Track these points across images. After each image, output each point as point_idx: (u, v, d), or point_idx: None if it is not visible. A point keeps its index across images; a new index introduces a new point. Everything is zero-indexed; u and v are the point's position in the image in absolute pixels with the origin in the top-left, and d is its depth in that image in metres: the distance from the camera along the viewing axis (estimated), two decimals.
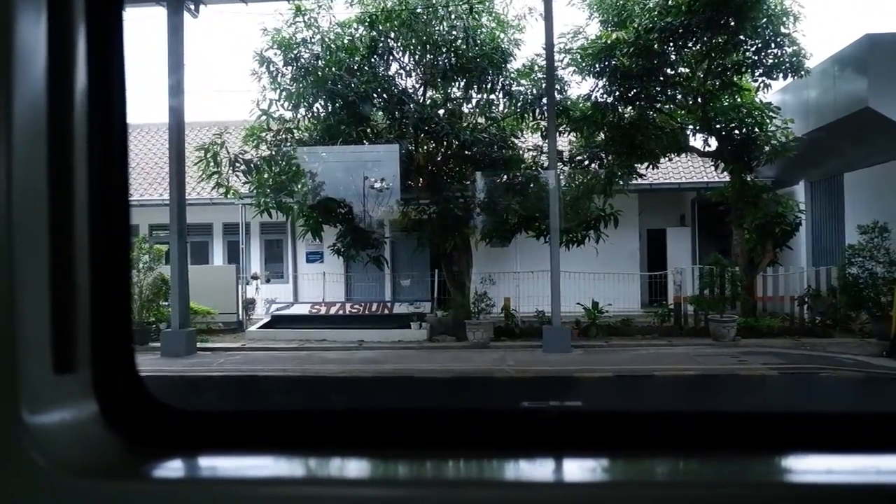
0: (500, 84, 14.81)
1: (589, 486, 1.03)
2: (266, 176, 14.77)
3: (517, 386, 9.37)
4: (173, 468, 1.10)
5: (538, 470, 1.11)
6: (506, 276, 17.07)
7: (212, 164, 14.70)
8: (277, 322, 16.47)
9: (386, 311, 16.78)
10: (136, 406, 1.16)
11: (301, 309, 17.18)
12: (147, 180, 22.49)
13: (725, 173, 18.93)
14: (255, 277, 18.63)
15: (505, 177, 15.11)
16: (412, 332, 15.24)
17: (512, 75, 14.89)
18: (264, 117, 15.33)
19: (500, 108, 15.44)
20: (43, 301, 0.98)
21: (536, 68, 15.02)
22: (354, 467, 1.11)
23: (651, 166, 16.46)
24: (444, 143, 14.68)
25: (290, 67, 14.79)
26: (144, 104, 47.18)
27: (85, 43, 1.04)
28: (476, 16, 14.45)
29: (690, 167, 20.26)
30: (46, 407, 0.99)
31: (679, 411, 1.16)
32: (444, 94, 15.18)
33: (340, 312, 16.90)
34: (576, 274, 16.76)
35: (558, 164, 15.82)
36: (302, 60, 14.54)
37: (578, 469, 1.11)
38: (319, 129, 15.03)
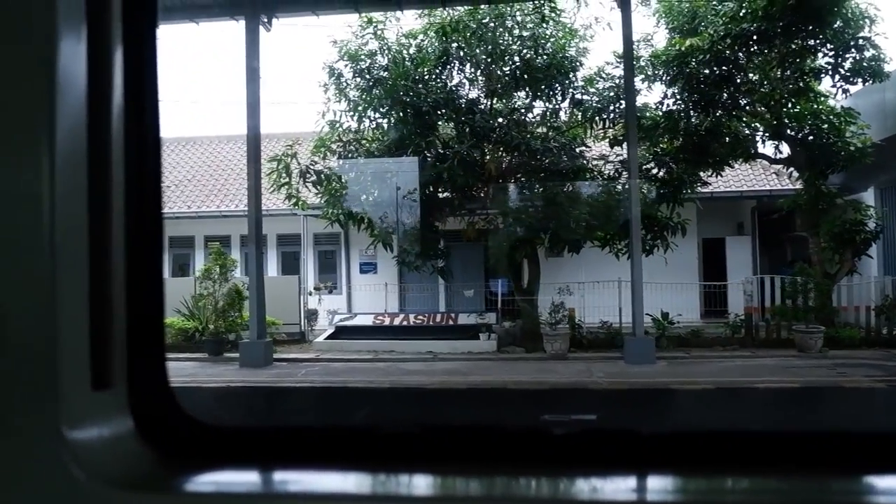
0: (568, 93, 14.71)
1: None
2: (336, 186, 14.77)
3: (623, 398, 9.19)
4: (205, 482, 1.12)
5: (572, 488, 1.10)
6: (569, 286, 16.89)
7: (283, 175, 14.73)
8: (341, 333, 16.42)
9: (450, 322, 16.64)
10: (170, 421, 1.18)
11: (364, 320, 17.12)
12: (203, 192, 22.65)
13: (789, 181, 18.84)
14: (317, 288, 18.63)
15: (571, 186, 14.98)
16: (480, 344, 15.12)
17: (580, 84, 14.76)
18: (332, 129, 15.39)
19: (568, 117, 15.33)
20: (82, 319, 1.00)
21: (604, 76, 14.92)
22: (383, 483, 1.11)
23: (715, 174, 16.25)
24: (515, 152, 14.57)
25: (358, 79, 14.80)
26: (201, 116, 47.75)
27: (122, 64, 1.07)
28: (546, 24, 14.38)
29: (750, 175, 19.99)
30: (84, 422, 1.01)
31: (717, 430, 1.15)
32: (512, 104, 15.08)
33: (404, 323, 16.81)
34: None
35: (624, 172, 15.71)
36: (372, 71, 14.53)
37: (611, 487, 1.10)
38: (388, 140, 15.02)
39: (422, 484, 1.13)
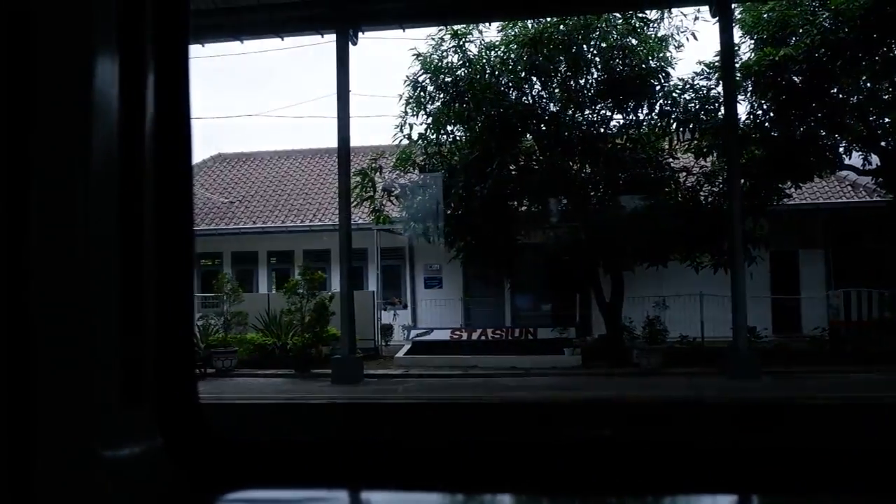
0: (654, 104, 14.55)
1: None
2: (420, 199, 14.70)
3: (773, 414, 8.90)
4: (232, 501, 1.12)
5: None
6: (643, 300, 16.63)
7: (367, 188, 14.69)
8: (419, 348, 16.27)
9: (529, 337, 16.43)
10: (199, 439, 1.18)
11: (440, 335, 16.96)
12: (267, 207, 22.71)
13: (866, 194, 18.50)
14: (391, 303, 18.52)
15: (657, 198, 14.76)
16: (565, 359, 14.90)
17: (668, 93, 14.58)
18: (417, 142, 15.35)
19: (651, 128, 15.15)
20: (114, 334, 1.00)
21: (691, 86, 14.75)
22: (415, 500, 1.11)
23: (794, 186, 15.98)
24: (602, 164, 14.41)
25: (441, 92, 14.75)
26: (256, 132, 48.13)
27: (154, 85, 1.09)
28: (636, 34, 14.27)
29: (824, 188, 19.66)
30: (117, 441, 1.01)
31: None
32: (597, 115, 14.95)
33: (482, 338, 16.62)
34: (709, 297, 16.27)
35: (705, 184, 15.49)
36: (458, 84, 14.47)
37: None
38: (469, 153, 14.93)
39: (454, 501, 1.12)
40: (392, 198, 14.96)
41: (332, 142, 16.74)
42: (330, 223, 21.33)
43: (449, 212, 14.78)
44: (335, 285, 21.91)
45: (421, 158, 14.95)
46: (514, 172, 14.63)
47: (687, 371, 12.90)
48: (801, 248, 20.03)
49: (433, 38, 15.17)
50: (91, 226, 0.97)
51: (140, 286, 1.05)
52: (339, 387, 12.56)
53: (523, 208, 14.84)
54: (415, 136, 15.59)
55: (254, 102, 46.49)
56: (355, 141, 18.34)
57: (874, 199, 18.84)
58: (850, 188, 19.57)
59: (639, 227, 14.37)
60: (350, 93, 13.44)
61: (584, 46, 14.38)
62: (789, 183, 15.67)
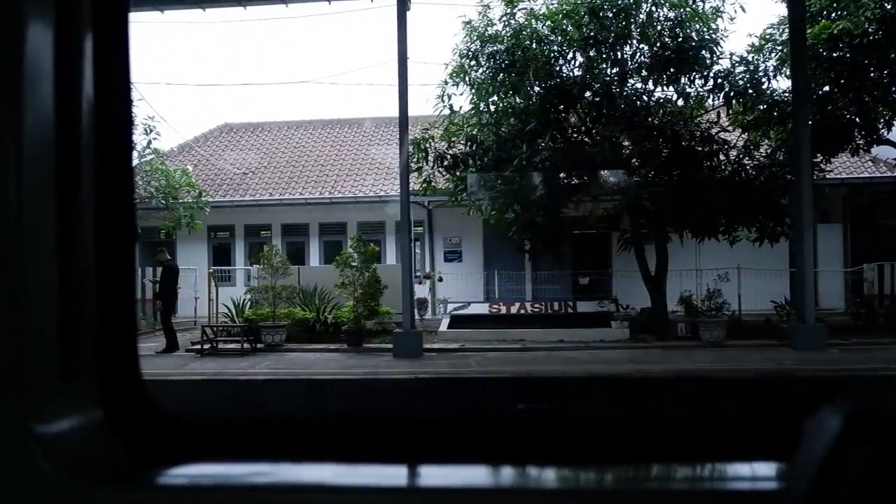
0: (709, 76, 14.46)
1: (582, 492, 1.04)
2: (473, 171, 14.40)
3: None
4: (176, 475, 1.10)
5: (540, 476, 1.11)
6: (685, 273, 16.69)
7: (421, 159, 14.34)
8: (458, 322, 16.07)
9: (569, 311, 16.38)
10: (141, 414, 1.17)
11: (478, 309, 16.79)
12: (283, 179, 22.05)
13: (886, 169, 18.83)
14: (427, 276, 18.22)
15: (709, 172, 14.72)
16: (613, 332, 14.87)
17: (720, 66, 14.50)
18: (459, 112, 15.02)
19: (703, 100, 15.07)
20: (50, 310, 0.99)
21: (742, 59, 14.69)
22: (357, 475, 1.11)
23: (825, 161, 16.12)
24: (656, 136, 14.29)
25: (491, 61, 14.39)
26: (267, 101, 46.55)
27: (92, 52, 1.06)
28: (687, 6, 14.11)
29: (844, 162, 19.92)
30: (54, 416, 1.00)
31: (663, 416, 1.18)
32: (648, 86, 14.80)
33: (522, 312, 16.51)
34: (745, 271, 16.40)
35: (746, 160, 15.52)
36: (514, 53, 14.11)
37: (577, 475, 1.11)
38: (519, 124, 14.65)
39: (395, 474, 1.12)
40: (442, 168, 14.59)
41: (359, 111, 16.29)
42: (350, 195, 20.93)
43: (500, 182, 14.49)
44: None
45: (471, 129, 14.58)
46: (562, 145, 14.41)
47: (750, 343, 12.98)
48: (819, 223, 20.33)
49: (482, 6, 14.80)
50: (25, 197, 0.94)
51: (78, 262, 1.03)
52: (402, 361, 12.29)
53: (573, 181, 14.64)
54: (456, 107, 15.29)
55: (292, 69, 45.00)
56: (389, 111, 17.88)
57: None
58: (870, 163, 19.90)
59: (687, 199, 14.34)
60: (408, 59, 13.00)
61: (639, 17, 14.15)
62: (819, 157, 15.79)
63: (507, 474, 1.12)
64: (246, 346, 13.27)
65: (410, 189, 18.19)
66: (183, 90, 53.53)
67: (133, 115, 1.14)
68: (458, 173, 14.41)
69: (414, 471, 1.14)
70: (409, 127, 19.77)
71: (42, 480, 0.96)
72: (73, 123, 1.03)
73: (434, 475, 1.12)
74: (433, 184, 15.05)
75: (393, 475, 1.12)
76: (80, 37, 1.04)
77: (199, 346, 13.46)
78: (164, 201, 17.09)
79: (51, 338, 1.00)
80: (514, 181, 14.10)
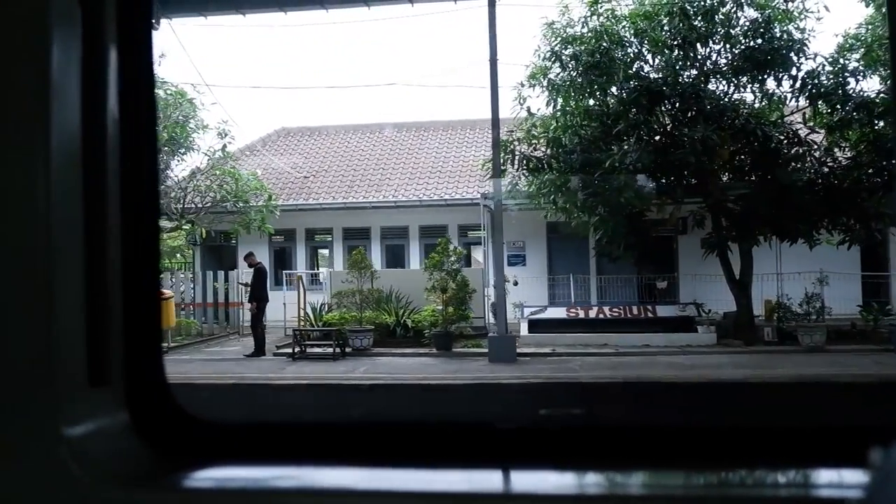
0: (797, 76, 14.23)
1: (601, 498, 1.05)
2: (556, 173, 14.25)
3: None
4: (201, 478, 1.12)
5: (554, 481, 1.11)
6: (766, 277, 16.42)
7: (507, 161, 14.21)
8: (537, 326, 15.92)
9: (648, 315, 16.16)
10: (167, 417, 1.18)
11: (555, 313, 16.61)
12: (345, 182, 22.01)
13: None
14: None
15: (789, 173, 14.47)
16: (699, 336, 14.66)
17: (808, 67, 14.26)
18: (536, 114, 14.91)
19: (785, 100, 14.85)
20: (79, 316, 1.01)
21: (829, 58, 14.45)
22: (382, 478, 1.11)
23: None
24: (744, 137, 14.07)
25: (575, 62, 14.24)
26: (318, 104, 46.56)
27: (117, 63, 1.07)
28: (774, 6, 13.90)
29: None
30: (82, 419, 1.02)
31: (696, 425, 1.17)
32: (735, 87, 14.58)
33: (600, 316, 16.31)
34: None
35: (827, 162, 15.24)
36: (597, 53, 13.97)
37: (595, 480, 1.12)
38: (600, 126, 14.51)
39: (422, 479, 1.12)
40: (524, 171, 14.46)
41: (431, 114, 16.23)
42: (415, 198, 20.84)
43: (582, 186, 14.33)
44: (414, 263, 21.48)
45: (555, 131, 14.44)
46: (650, 146, 14.22)
47: (852, 348, 12.72)
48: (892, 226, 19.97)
49: (562, 7, 14.69)
50: (53, 204, 0.96)
51: (104, 268, 1.05)
52: (500, 366, 12.15)
53: (663, 183, 14.46)
54: (533, 109, 15.17)
55: (374, 71, 45.16)
56: (459, 114, 17.75)
57: None
58: None
59: (775, 201, 14.10)
60: (497, 61, 12.89)
61: (727, 17, 13.97)
62: None
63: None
64: (336, 350, 13.20)
65: (488, 192, 18.14)
66: (255, 93, 53.88)
67: (158, 123, 1.16)
68: (546, 176, 14.24)
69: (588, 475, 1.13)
70: (481, 129, 19.61)
71: (70, 482, 0.98)
72: (99, 133, 1.05)
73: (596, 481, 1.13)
74: (518, 186, 14.90)
75: (414, 479, 1.12)
76: (105, 48, 1.06)
77: (290, 350, 13.39)
78: (235, 205, 17.07)
79: (78, 343, 1.02)
80: (603, 184, 13.93)
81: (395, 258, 21.61)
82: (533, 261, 21.17)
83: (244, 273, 18.40)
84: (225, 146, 16.83)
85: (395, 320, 14.99)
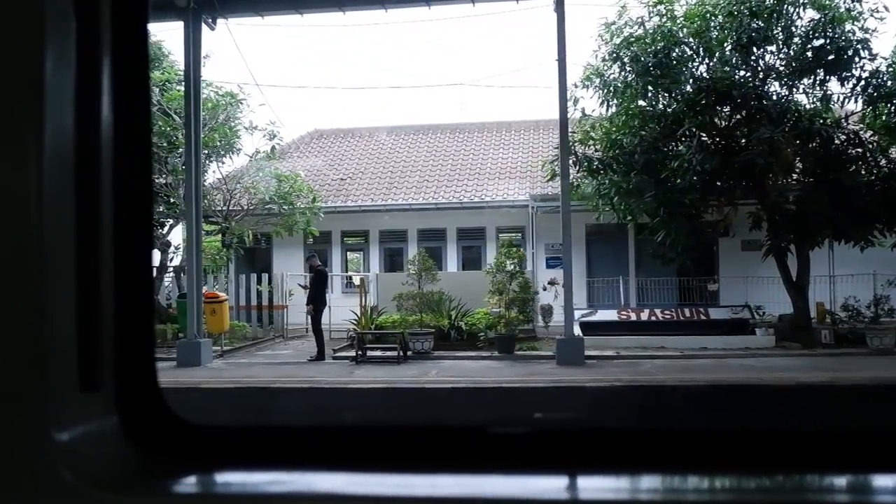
0: (861, 77, 14.13)
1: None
2: (616, 177, 14.13)
3: None
4: (192, 483, 1.12)
5: (550, 485, 1.09)
6: (818, 280, 16.32)
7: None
8: (591, 329, 15.76)
9: (701, 317, 16.04)
10: (158, 422, 1.18)
11: (606, 315, 16.47)
12: (382, 185, 21.85)
13: None
14: (552, 283, 17.91)
15: (849, 175, 14.37)
16: (757, 339, 14.56)
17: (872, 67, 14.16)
18: (588, 116, 14.81)
19: (846, 101, 14.75)
20: (69, 320, 1.01)
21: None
22: (373, 483, 1.11)
23: None
24: (809, 139, 13.97)
25: (635, 63, 14.14)
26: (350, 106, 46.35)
27: (111, 63, 1.07)
28: (846, 5, 13.81)
29: None
30: (72, 423, 1.01)
31: (694, 429, 1.17)
32: (797, 88, 14.49)
33: (652, 319, 16.19)
34: (881, 276, 16.00)
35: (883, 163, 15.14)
36: (657, 55, 13.86)
37: (591, 486, 1.11)
38: (659, 127, 14.41)
39: (413, 483, 1.12)
40: (582, 172, 14.34)
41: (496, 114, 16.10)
42: (456, 200, 20.69)
43: (647, 187, 14.17)
44: (451, 265, 21.33)
45: (618, 131, 14.33)
46: (712, 147, 14.13)
47: None
48: None
49: (620, 8, 14.60)
50: (45, 206, 0.95)
51: (96, 272, 1.04)
52: (570, 369, 12.00)
53: (726, 185, 14.36)
54: (588, 110, 15.09)
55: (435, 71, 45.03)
56: (503, 115, 17.49)
57: None
58: None
59: (835, 202, 13.99)
60: (566, 61, 12.76)
61: (788, 16, 13.88)
62: None
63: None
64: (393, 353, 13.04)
65: (538, 194, 18.02)
66: (308, 94, 53.83)
67: (152, 125, 1.25)
68: (609, 178, 14.11)
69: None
70: (516, 131, 19.56)
71: (60, 487, 0.97)
72: (92, 134, 1.04)
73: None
74: (580, 188, 14.77)
75: (409, 484, 1.11)
76: (99, 49, 1.05)
77: (348, 354, 13.23)
78: (281, 207, 16.91)
79: (69, 347, 1.01)
80: (668, 185, 13.81)
81: (435, 260, 21.46)
82: (573, 263, 21.03)
83: (289, 276, 18.29)
84: (274, 147, 16.66)
85: (449, 323, 14.82)
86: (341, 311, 16.39)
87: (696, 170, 13.15)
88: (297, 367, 12.68)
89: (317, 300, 13.29)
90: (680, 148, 13.42)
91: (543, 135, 23.40)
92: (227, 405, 9.11)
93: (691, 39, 14.27)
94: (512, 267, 13.79)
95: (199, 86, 13.64)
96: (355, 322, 15.52)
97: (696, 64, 14.20)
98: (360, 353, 13.07)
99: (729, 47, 14.02)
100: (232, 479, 1.16)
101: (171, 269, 16.42)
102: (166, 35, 19.62)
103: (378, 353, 13.42)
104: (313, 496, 1.07)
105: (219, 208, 16.89)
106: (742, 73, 14.21)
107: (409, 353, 13.32)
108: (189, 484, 1.12)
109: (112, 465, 1.07)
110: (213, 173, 17.12)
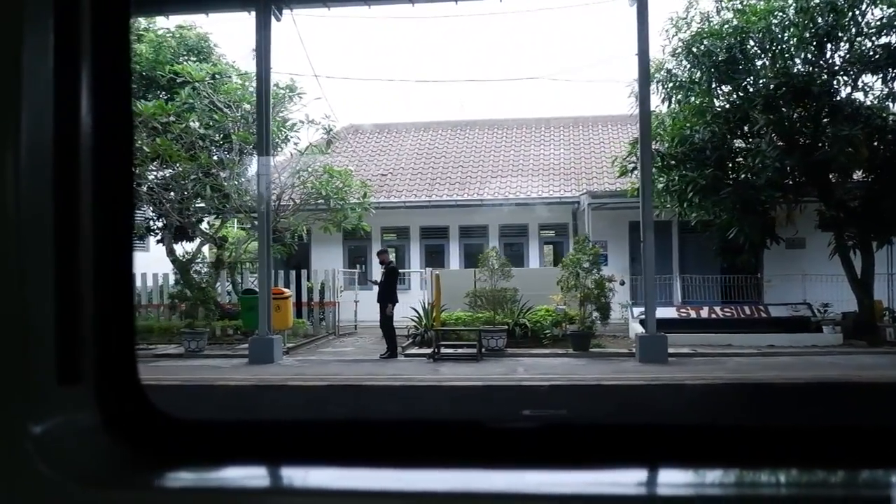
0: None
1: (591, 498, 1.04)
2: (691, 173, 14.01)
3: None
4: (174, 477, 1.10)
5: (536, 480, 1.09)
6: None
7: (633, 159, 13.96)
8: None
9: (762, 315, 15.96)
10: (138, 416, 1.16)
11: (665, 313, 16.31)
12: (424, 180, 21.63)
13: None
14: (610, 280, 17.77)
15: None
16: (825, 337, 14.48)
17: None
18: (657, 112, 14.69)
19: None
20: (48, 313, 1.00)
21: None
22: (355, 478, 1.10)
23: None
24: (878, 136, 13.91)
25: (709, 58, 14.02)
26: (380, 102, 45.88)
27: (91, 57, 1.05)
28: None
29: None
30: (51, 417, 1.01)
31: (678, 424, 1.17)
32: (871, 85, 14.43)
33: (712, 316, 16.09)
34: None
35: None
36: (730, 50, 13.76)
37: (577, 480, 1.10)
38: (729, 123, 14.32)
39: (401, 478, 1.11)
40: (657, 168, 14.20)
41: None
42: (501, 197, 20.52)
43: (713, 184, 14.07)
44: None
45: (692, 126, 14.20)
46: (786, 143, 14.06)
47: None
48: None
49: (689, 2, 14.50)
50: (23, 200, 0.95)
51: (76, 265, 1.04)
52: (657, 367, 11.85)
53: (800, 181, 14.29)
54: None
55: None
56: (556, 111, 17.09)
57: None
58: None
59: None
60: (648, 56, 12.61)
61: (863, 12, 13.82)
62: None
63: None
64: (471, 351, 12.86)
65: (594, 190, 17.88)
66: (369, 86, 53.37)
67: (133, 116, 1.04)
68: (680, 173, 13.99)
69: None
70: (554, 127, 19.40)
71: (38, 482, 0.96)
72: (71, 126, 1.02)
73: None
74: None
75: (392, 479, 1.10)
76: (78, 40, 1.03)
77: (419, 351, 13.02)
78: (336, 203, 16.65)
79: (48, 340, 1.00)
80: (739, 181, 13.72)
81: (474, 257, 21.26)
82: (614, 260, 20.94)
83: (339, 272, 18.05)
84: (329, 142, 16.42)
85: (513, 320, 14.65)
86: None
87: (776, 166, 13.04)
88: (374, 364, 12.46)
89: (389, 296, 13.07)
90: (761, 145, 13.30)
91: (583, 131, 23.29)
92: (336, 404, 8.91)
93: (762, 34, 14.17)
94: (587, 264, 13.57)
95: (268, 78, 13.38)
96: (415, 319, 15.35)
97: (770, 59, 14.06)
98: (435, 350, 12.87)
99: (799, 43, 13.89)
100: (214, 473, 1.15)
101: (229, 264, 16.13)
102: (213, 27, 19.22)
103: (450, 350, 13.22)
104: (295, 491, 1.06)
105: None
106: (814, 69, 14.10)
107: (483, 350, 13.14)
108: (170, 478, 1.10)
109: (91, 459, 1.05)
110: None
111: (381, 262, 13.55)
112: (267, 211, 13.10)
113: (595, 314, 16.67)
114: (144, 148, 14.43)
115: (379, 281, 13.25)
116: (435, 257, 21.38)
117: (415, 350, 13.77)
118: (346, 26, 71.65)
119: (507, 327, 13.65)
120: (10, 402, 0.97)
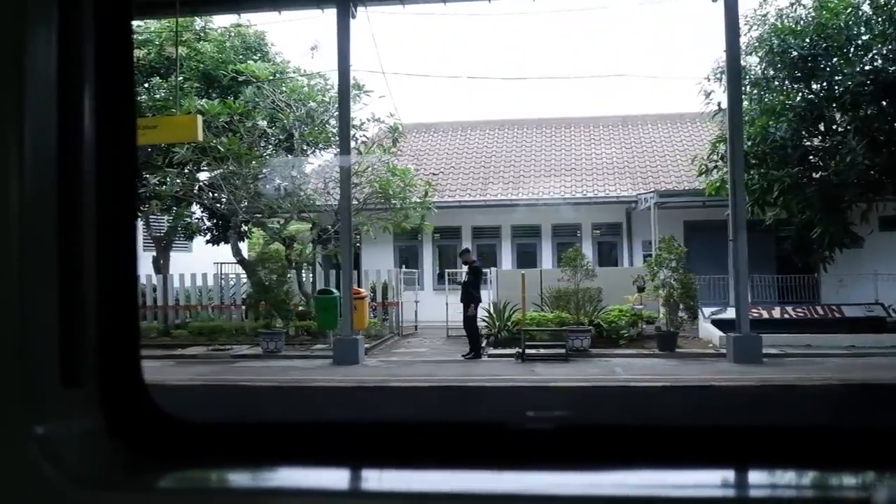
0: None
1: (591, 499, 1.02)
2: (775, 172, 13.83)
3: None
4: (178, 479, 1.11)
5: (544, 482, 1.08)
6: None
7: (716, 159, 13.79)
8: (721, 327, 15.43)
9: (835, 315, 15.76)
10: (143, 417, 1.16)
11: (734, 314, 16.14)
12: (477, 179, 21.45)
13: None
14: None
15: None
16: None
17: None
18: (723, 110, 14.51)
19: None
20: (52, 314, 1.00)
21: None
22: (358, 479, 1.11)
23: None
24: None
25: (787, 54, 13.87)
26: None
27: (94, 59, 1.06)
28: None
29: None
30: (54, 419, 1.00)
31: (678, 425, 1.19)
32: None
33: (785, 317, 15.90)
34: None
35: None
36: (813, 47, 13.61)
37: (582, 482, 1.09)
38: (804, 120, 14.16)
39: (398, 479, 1.11)
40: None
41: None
42: (555, 196, 20.33)
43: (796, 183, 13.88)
44: (546, 262, 20.92)
45: (776, 124, 14.03)
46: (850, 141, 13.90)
47: None
48: None
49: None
50: (26, 202, 0.95)
51: (79, 266, 1.04)
52: (750, 367, 11.66)
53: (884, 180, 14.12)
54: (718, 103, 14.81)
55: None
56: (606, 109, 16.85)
57: None
58: None
59: None
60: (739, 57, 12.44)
61: None
62: None
63: None
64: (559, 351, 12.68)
65: (662, 189, 17.69)
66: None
67: (136, 118, 1.14)
68: (761, 172, 13.82)
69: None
70: (603, 126, 19.17)
71: (43, 484, 0.96)
72: (75, 128, 1.02)
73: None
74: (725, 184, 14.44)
75: (397, 480, 1.09)
76: (81, 42, 1.03)
77: (517, 351, 12.84)
78: (401, 203, 16.47)
79: (52, 341, 0.99)
80: (822, 179, 13.54)
81: (527, 257, 21.08)
82: None
83: (400, 272, 17.86)
84: (395, 140, 16.25)
85: (588, 320, 14.46)
86: (435, 308, 16.15)
87: (865, 164, 12.87)
88: (462, 365, 12.29)
89: (473, 296, 12.88)
90: (843, 142, 13.13)
91: (633, 130, 23.11)
92: (465, 406, 8.71)
93: (838, 31, 14.02)
94: (674, 263, 13.38)
95: (348, 76, 13.20)
96: (486, 320, 15.16)
97: (849, 56, 13.89)
98: (522, 350, 12.68)
99: (879, 38, 13.73)
100: (219, 474, 1.15)
101: (296, 264, 15.95)
102: (270, 27, 19.08)
103: (533, 350, 13.02)
104: (299, 492, 1.05)
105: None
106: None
107: (569, 351, 12.95)
108: (174, 480, 1.11)
109: (95, 461, 1.05)
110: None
111: (465, 262, 13.37)
112: (348, 209, 12.93)
113: (682, 314, 16.59)
114: (218, 147, 14.25)
115: (463, 280, 13.07)
116: (487, 258, 21.19)
117: (493, 350, 13.56)
118: (411, 23, 71.61)
119: (590, 328, 13.45)
120: (13, 403, 0.96)
